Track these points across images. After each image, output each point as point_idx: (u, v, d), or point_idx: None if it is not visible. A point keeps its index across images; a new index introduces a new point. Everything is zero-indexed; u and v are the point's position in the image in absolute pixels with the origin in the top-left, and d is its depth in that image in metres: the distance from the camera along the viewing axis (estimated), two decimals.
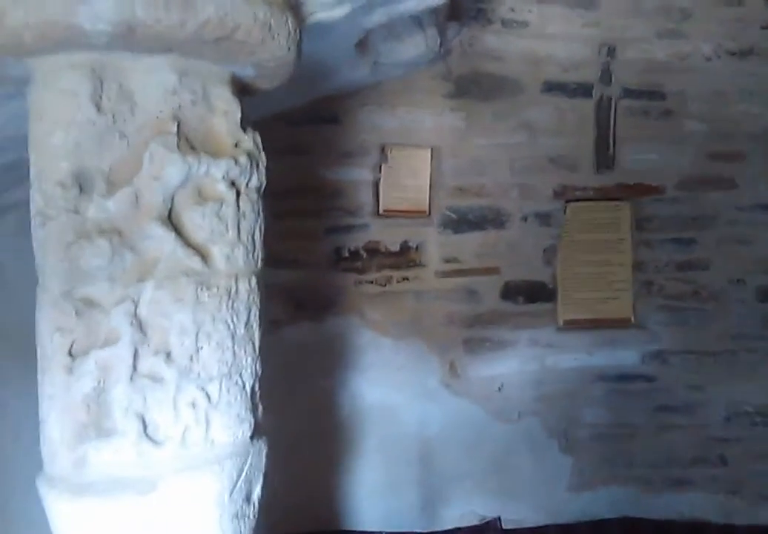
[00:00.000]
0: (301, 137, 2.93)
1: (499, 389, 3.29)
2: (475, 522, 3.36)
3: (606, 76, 3.22)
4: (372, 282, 3.16)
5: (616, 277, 3.38)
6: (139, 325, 1.38)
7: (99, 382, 1.38)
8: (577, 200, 3.27)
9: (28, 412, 2.89)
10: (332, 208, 3.05)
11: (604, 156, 3.28)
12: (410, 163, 3.13)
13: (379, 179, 3.09)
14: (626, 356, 3.38)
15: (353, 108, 2.99)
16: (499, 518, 3.34)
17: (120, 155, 1.37)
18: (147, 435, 1.39)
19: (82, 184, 1.36)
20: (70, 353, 1.38)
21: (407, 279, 3.18)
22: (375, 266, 3.16)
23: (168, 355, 1.39)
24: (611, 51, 3.22)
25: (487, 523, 3.34)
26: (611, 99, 3.26)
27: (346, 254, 3.13)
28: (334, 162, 2.99)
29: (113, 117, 1.36)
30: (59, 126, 1.35)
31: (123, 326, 1.37)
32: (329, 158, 2.98)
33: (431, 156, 3.13)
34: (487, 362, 3.27)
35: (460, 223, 3.19)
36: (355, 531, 3.30)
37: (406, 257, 3.17)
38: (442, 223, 3.17)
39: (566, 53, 3.18)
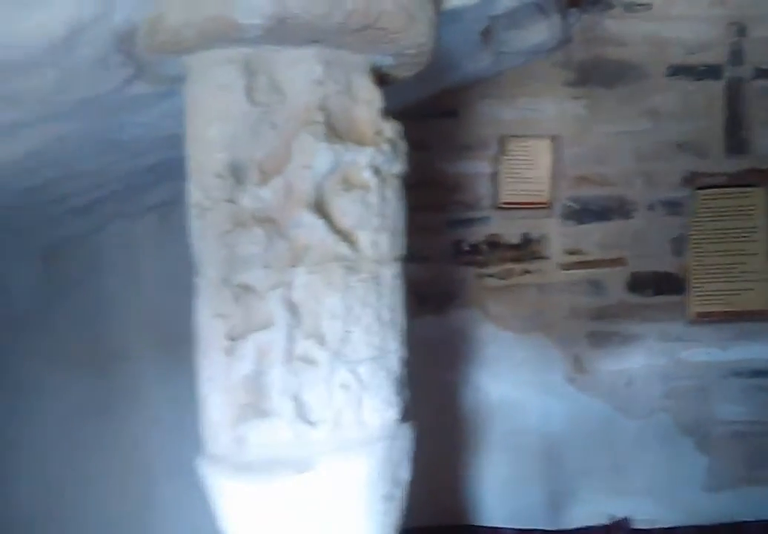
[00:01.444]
0: (420, 132, 2.92)
1: (627, 384, 3.19)
2: (603, 521, 3.27)
3: (737, 57, 3.07)
4: (493, 275, 3.14)
5: (749, 267, 3.22)
6: (293, 310, 1.43)
7: (256, 365, 1.43)
8: (708, 187, 3.13)
9: (167, 400, 3.06)
10: (452, 201, 3.05)
11: (736, 140, 3.12)
12: (530, 154, 3.09)
13: (498, 171, 3.07)
14: (763, 350, 3.20)
15: (472, 101, 2.98)
16: (629, 518, 3.23)
17: (271, 146, 1.42)
18: (302, 416, 1.43)
19: (237, 174, 1.42)
20: (228, 337, 1.44)
21: (529, 272, 3.14)
22: (496, 259, 3.13)
23: (320, 338, 1.43)
24: (741, 30, 3.06)
25: (617, 522, 3.24)
26: (742, 80, 3.10)
27: (467, 248, 3.12)
28: (454, 155, 2.99)
29: (265, 108, 1.41)
30: (215, 119, 1.41)
31: (278, 310, 1.42)
32: (448, 152, 2.98)
33: (551, 146, 3.08)
34: (613, 356, 3.18)
35: (583, 213, 3.12)
36: (480, 526, 3.28)
37: (527, 250, 3.13)
38: (564, 214, 3.12)
39: (692, 35, 3.05)
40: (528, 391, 3.19)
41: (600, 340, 3.18)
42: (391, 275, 1.51)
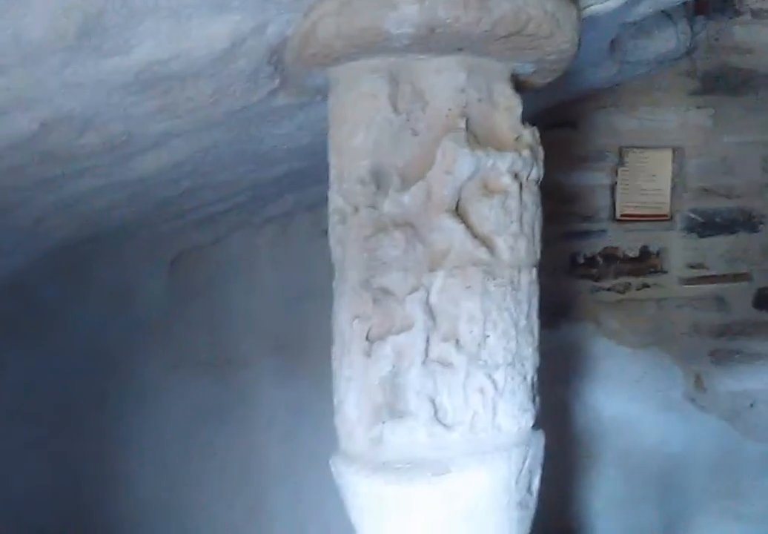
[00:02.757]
0: None
1: (752, 406, 3.04)
2: None
3: None
4: (609, 289, 3.07)
5: None
6: (431, 313, 1.45)
7: (394, 366, 1.46)
8: None
9: (282, 407, 3.14)
10: (568, 213, 3.00)
11: None
12: (649, 166, 3.01)
13: (617, 183, 3.01)
14: None
15: (590, 111, 2.94)
16: None
17: (412, 152, 1.45)
18: (437, 418, 1.44)
19: (379, 181, 1.45)
20: (367, 338, 1.47)
21: (647, 286, 3.06)
22: (612, 273, 3.06)
23: (457, 341, 1.44)
24: None
25: None
26: None
27: (582, 260, 3.07)
28: (570, 166, 2.95)
29: (407, 116, 1.45)
30: (360, 127, 1.45)
31: (416, 313, 1.44)
32: (565, 163, 2.94)
33: (672, 157, 3.00)
34: (737, 376, 3.04)
35: (707, 226, 3.01)
36: None
37: (646, 263, 3.05)
38: (686, 226, 3.02)
39: None
40: (644, 409, 3.09)
41: (722, 358, 3.05)
42: (527, 281, 1.51)
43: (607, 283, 3.07)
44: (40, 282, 2.42)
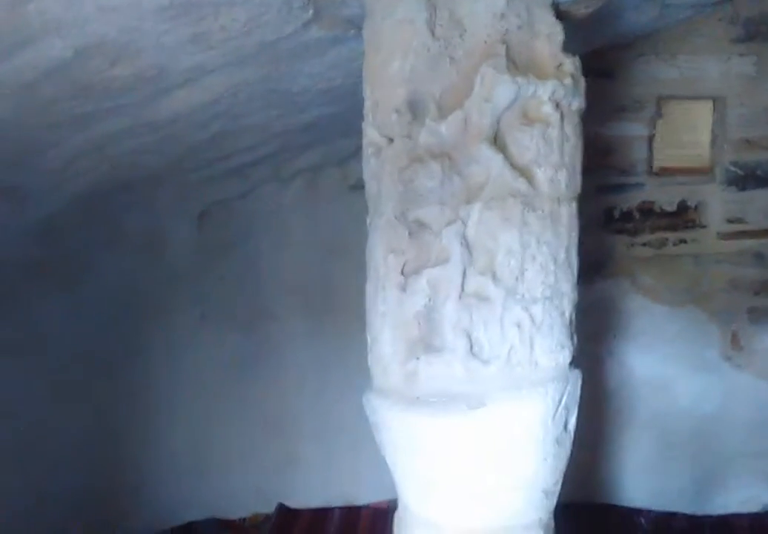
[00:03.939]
0: None
1: None
2: (756, 509, 3.07)
3: None
4: (645, 244, 3.00)
5: None
6: (467, 246, 1.42)
7: (429, 300, 1.43)
8: None
9: (311, 361, 3.14)
10: (604, 165, 2.92)
11: None
12: (689, 117, 2.92)
13: (655, 135, 2.92)
14: None
15: (628, 59, 2.85)
16: None
17: (450, 80, 1.41)
18: (473, 353, 1.42)
19: (415, 110, 1.42)
20: (402, 272, 1.45)
21: (684, 241, 2.98)
22: (649, 228, 2.99)
23: (494, 275, 1.41)
24: None
25: None
26: None
27: (618, 215, 3.00)
28: (607, 117, 2.87)
29: (445, 43, 1.41)
30: (396, 54, 1.42)
31: (453, 246, 1.41)
32: (602, 113, 2.86)
33: (713, 108, 2.90)
34: None
35: (747, 179, 2.92)
36: (619, 506, 3.16)
37: (683, 218, 2.97)
38: (725, 179, 2.93)
39: None
40: (678, 368, 3.03)
41: (761, 315, 2.97)
42: (567, 215, 1.47)
43: (643, 239, 3.00)
44: (71, 229, 2.43)
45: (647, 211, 2.98)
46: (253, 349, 3.06)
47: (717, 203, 2.94)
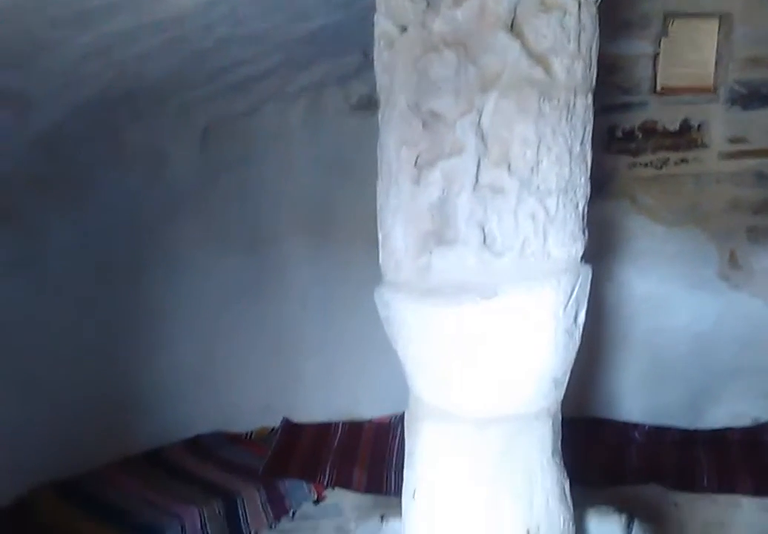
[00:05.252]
0: None
1: None
2: (747, 423, 3.17)
3: None
4: (647, 164, 3.01)
5: None
6: (482, 136, 1.41)
7: (443, 192, 1.44)
8: None
9: (314, 283, 3.15)
10: (607, 83, 2.89)
11: None
12: (694, 36, 2.88)
13: (660, 53, 2.89)
14: None
15: None
16: None
17: None
18: (486, 245, 1.43)
19: None
20: (416, 165, 1.44)
21: (686, 161, 2.98)
22: (651, 147, 2.99)
23: (509, 166, 1.41)
24: None
25: (762, 425, 3.13)
26: None
27: (620, 135, 2.99)
28: (612, 34, 2.82)
29: None
30: None
31: (467, 137, 1.41)
32: (606, 29, 2.81)
33: (719, 26, 2.86)
34: None
35: (751, 98, 2.90)
36: (615, 420, 3.25)
37: (686, 137, 2.96)
38: (729, 98, 2.91)
39: None
40: (677, 288, 3.08)
41: (759, 235, 3.00)
42: (583, 106, 1.46)
43: (645, 159, 3.00)
44: (75, 143, 2.40)
45: (650, 130, 2.97)
46: (256, 268, 3.08)
47: (720, 123, 2.94)
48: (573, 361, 1.56)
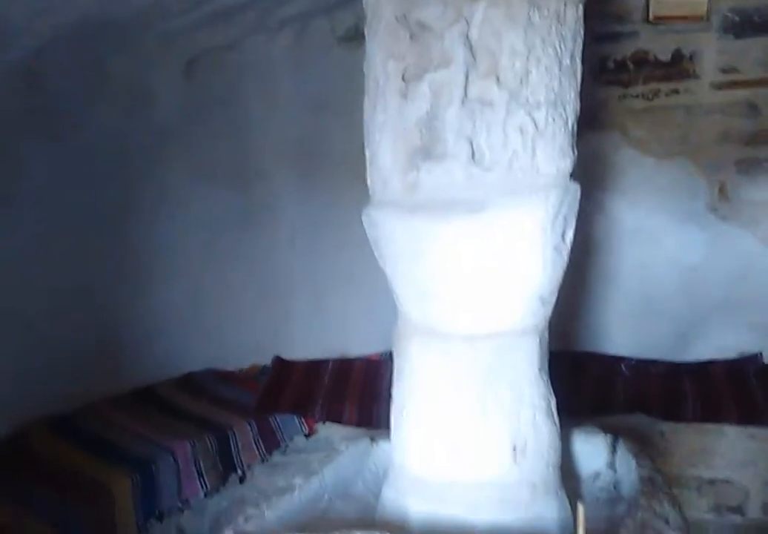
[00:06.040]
0: None
1: None
2: (732, 356, 3.20)
3: None
4: (638, 96, 2.97)
5: None
6: (471, 48, 1.38)
7: (431, 106, 1.41)
8: None
9: (302, 220, 3.13)
10: (600, 12, 2.83)
11: None
12: None
13: None
14: None
15: None
16: (761, 354, 3.14)
17: None
18: (475, 160, 1.42)
19: None
20: (403, 78, 1.42)
21: (677, 92, 2.94)
22: (642, 78, 2.94)
23: (498, 78, 1.39)
24: None
25: (747, 357, 3.16)
26: None
27: (611, 65, 2.94)
28: None
29: None
30: None
31: (455, 48, 1.38)
32: None
33: None
34: (762, 185, 2.99)
35: (744, 26, 2.84)
36: (602, 354, 3.28)
37: (677, 68, 2.92)
38: (722, 27, 2.85)
39: None
40: (666, 220, 3.07)
41: (749, 166, 2.98)
42: (573, 17, 1.43)
43: (636, 90, 2.96)
44: (57, 76, 2.33)
45: (641, 61, 2.93)
46: (244, 205, 3.05)
47: (712, 52, 2.89)
48: (561, 280, 1.56)
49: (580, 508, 1.28)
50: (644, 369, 3.20)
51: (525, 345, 1.52)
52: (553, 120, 1.42)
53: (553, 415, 1.58)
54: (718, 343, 3.20)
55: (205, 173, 2.96)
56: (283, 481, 1.59)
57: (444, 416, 1.52)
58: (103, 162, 2.66)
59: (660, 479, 1.63)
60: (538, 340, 1.53)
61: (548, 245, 1.46)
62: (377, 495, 1.69)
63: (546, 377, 1.58)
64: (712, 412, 2.97)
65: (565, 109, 1.45)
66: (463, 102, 1.39)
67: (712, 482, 3.08)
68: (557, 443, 1.59)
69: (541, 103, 1.40)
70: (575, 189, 1.51)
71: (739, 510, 3.06)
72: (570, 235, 1.54)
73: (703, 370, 3.17)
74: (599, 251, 3.13)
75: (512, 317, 1.50)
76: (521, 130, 1.40)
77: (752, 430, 2.96)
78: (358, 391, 3.08)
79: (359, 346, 3.30)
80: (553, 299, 1.56)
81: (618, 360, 3.24)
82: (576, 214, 1.55)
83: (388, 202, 1.49)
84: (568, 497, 1.64)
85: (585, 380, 3.12)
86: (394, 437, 1.63)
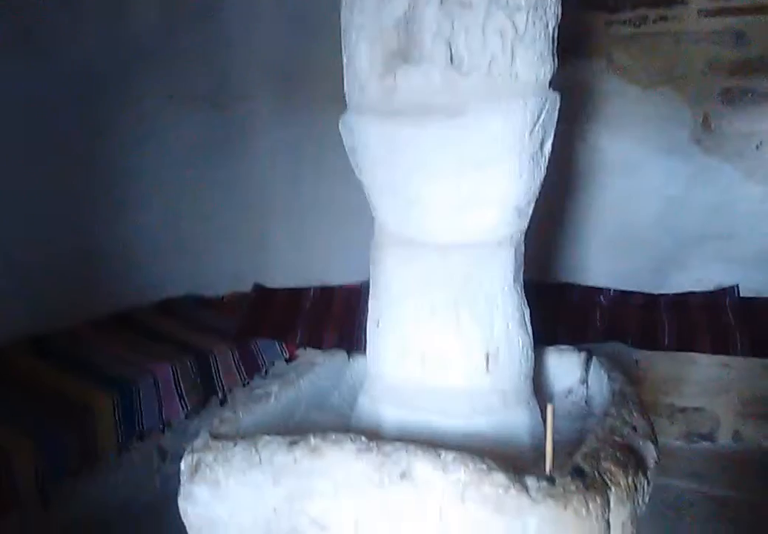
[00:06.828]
0: None
1: (758, 147, 3.00)
2: (710, 288, 3.24)
3: None
4: (625, 22, 2.91)
5: None
6: None
7: (409, 6, 1.38)
8: None
9: (283, 144, 3.08)
10: None
11: None
12: None
13: None
14: None
15: None
16: (737, 286, 3.18)
17: None
18: (453, 64, 1.39)
19: None
20: None
21: (665, 19, 2.89)
22: (629, 4, 2.89)
23: None
24: None
25: (724, 290, 3.20)
26: None
27: None
28: None
29: None
30: None
31: None
32: None
33: None
34: (746, 116, 2.97)
35: None
36: (580, 285, 3.31)
37: None
38: None
39: None
40: (648, 152, 3.05)
41: (734, 97, 2.95)
42: None
43: (623, 16, 2.91)
44: None
45: None
46: (223, 127, 2.99)
47: None
48: (538, 192, 1.55)
49: (550, 408, 1.30)
50: (622, 300, 3.24)
51: (500, 256, 1.52)
52: (534, 24, 1.39)
53: (526, 326, 1.60)
54: (697, 275, 3.23)
55: (182, 95, 2.90)
56: (260, 390, 1.60)
57: (418, 326, 1.54)
58: (78, 82, 2.60)
59: (630, 391, 1.66)
60: (513, 251, 1.54)
61: (525, 154, 1.44)
62: (353, 407, 1.72)
63: (520, 289, 1.59)
64: (686, 342, 3.03)
65: (545, 13, 1.41)
66: (441, 2, 1.36)
67: (683, 410, 3.16)
68: (530, 354, 1.61)
69: (521, 5, 1.37)
70: (555, 98, 1.49)
71: (709, 437, 3.14)
72: (548, 146, 1.53)
73: (680, 301, 3.21)
74: (582, 181, 3.13)
75: (487, 227, 1.50)
76: (501, 33, 1.37)
77: (725, 358, 3.03)
78: (338, 318, 3.11)
79: (340, 274, 3.30)
80: (530, 211, 1.55)
81: (597, 291, 3.28)
82: (555, 124, 1.53)
83: (365, 107, 1.47)
84: (541, 411, 1.67)
85: (563, 310, 3.16)
86: (369, 347, 1.65)
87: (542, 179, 1.55)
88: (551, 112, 1.49)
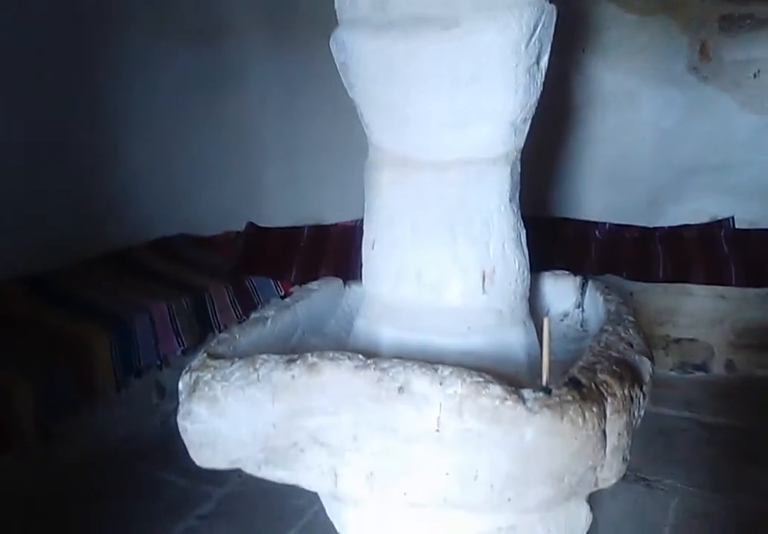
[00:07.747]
0: None
1: (755, 76, 2.96)
2: (705, 220, 3.23)
3: None
4: None
5: None
6: None
7: None
8: None
9: (275, 81, 3.01)
10: None
11: None
12: None
13: None
14: None
15: None
16: (733, 218, 3.17)
17: None
18: None
19: None
20: None
21: None
22: None
23: None
24: None
25: (719, 221, 3.20)
26: None
27: None
28: None
29: None
30: None
31: None
32: None
33: None
34: (744, 44, 2.91)
35: None
36: (576, 219, 3.30)
37: None
38: None
39: None
40: (645, 81, 3.01)
41: (732, 24, 2.89)
42: None
43: None
44: None
45: None
46: (213, 62, 2.93)
47: None
48: (534, 109, 1.52)
49: (546, 320, 1.30)
50: (618, 233, 3.24)
51: (496, 174, 1.50)
52: None
53: (522, 246, 1.59)
54: (692, 207, 3.22)
55: (169, 29, 2.82)
56: (257, 314, 1.60)
57: (414, 246, 1.53)
58: (56, 16, 2.51)
59: (626, 310, 1.66)
60: (509, 169, 1.52)
61: (521, 67, 1.41)
62: (350, 332, 1.72)
63: (517, 208, 1.58)
64: (681, 273, 3.04)
65: None
66: None
67: (678, 341, 3.20)
68: (526, 274, 1.61)
69: None
70: (551, 10, 1.45)
71: (703, 367, 3.19)
72: (545, 60, 1.49)
73: (675, 234, 3.21)
74: (578, 113, 3.09)
75: (483, 145, 1.48)
76: None
77: (720, 289, 3.04)
78: (333, 256, 3.10)
79: (334, 213, 3.28)
80: (526, 128, 1.52)
81: (592, 225, 3.28)
82: (551, 39, 1.49)
83: (357, 21, 1.42)
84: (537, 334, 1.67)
85: (558, 244, 3.15)
86: (364, 269, 1.64)
87: (539, 96, 1.52)
88: (548, 25, 1.45)
